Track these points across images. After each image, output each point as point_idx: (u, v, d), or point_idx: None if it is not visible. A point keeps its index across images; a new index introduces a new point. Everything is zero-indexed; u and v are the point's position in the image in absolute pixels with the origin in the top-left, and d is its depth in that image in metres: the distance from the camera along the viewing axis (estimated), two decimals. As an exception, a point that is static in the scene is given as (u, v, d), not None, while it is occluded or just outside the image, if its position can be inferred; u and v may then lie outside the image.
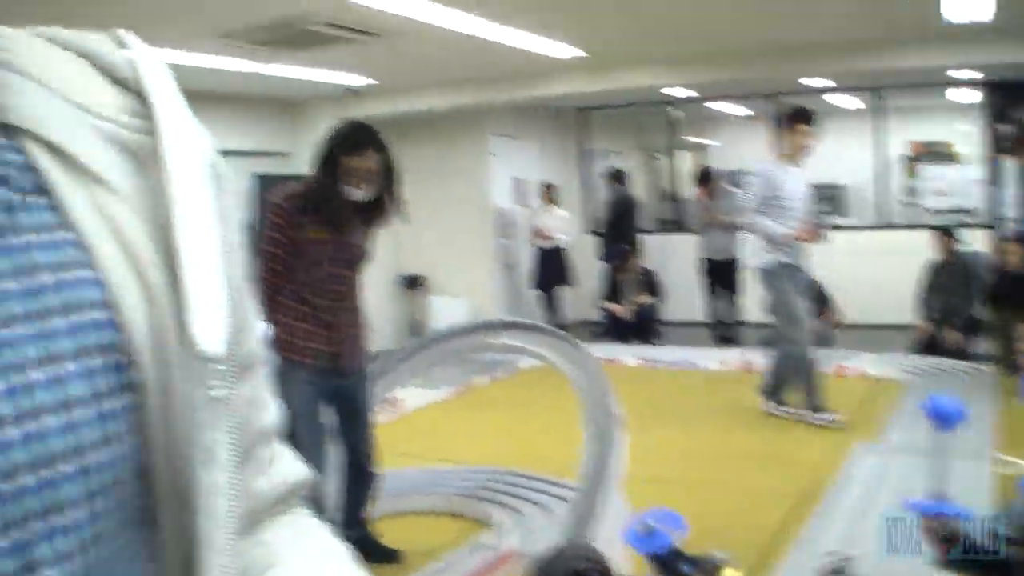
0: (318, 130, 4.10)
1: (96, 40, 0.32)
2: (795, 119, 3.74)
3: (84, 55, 0.31)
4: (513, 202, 6.96)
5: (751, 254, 4.17)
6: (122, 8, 3.12)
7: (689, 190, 7.29)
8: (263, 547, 0.36)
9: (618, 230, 6.53)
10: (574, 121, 7.70)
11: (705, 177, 6.30)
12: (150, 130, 0.30)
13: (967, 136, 7.19)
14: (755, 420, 4.00)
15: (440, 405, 4.54)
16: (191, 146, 0.31)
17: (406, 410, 4.25)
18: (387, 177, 2.27)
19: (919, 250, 5.31)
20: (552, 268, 6.43)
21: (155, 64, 0.32)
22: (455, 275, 6.68)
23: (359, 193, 2.23)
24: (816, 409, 3.71)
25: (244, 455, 0.32)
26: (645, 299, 6.07)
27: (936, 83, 6.43)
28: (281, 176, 4.84)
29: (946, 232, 5.27)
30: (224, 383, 0.29)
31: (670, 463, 3.49)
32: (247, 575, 0.32)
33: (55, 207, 0.27)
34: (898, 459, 3.22)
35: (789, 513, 2.86)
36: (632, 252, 6.20)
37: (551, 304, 6.44)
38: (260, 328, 0.49)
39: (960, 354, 5.02)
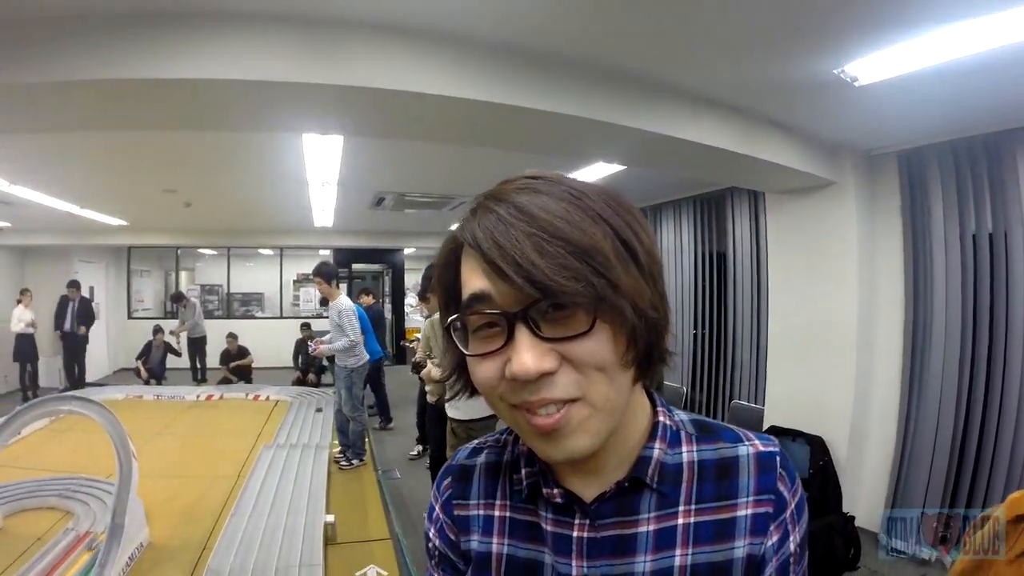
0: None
1: None
2: (315, 274, 4.63)
3: None
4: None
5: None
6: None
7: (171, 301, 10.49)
8: None
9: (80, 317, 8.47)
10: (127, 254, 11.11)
11: (177, 297, 9.41)
12: None
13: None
14: (218, 433, 5.60)
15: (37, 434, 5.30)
16: None
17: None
18: None
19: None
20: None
21: None
22: None
23: None
24: None
25: None
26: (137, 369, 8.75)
27: (312, 247, 11.22)
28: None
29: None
30: None
31: (169, 464, 4.52)
32: None
33: None
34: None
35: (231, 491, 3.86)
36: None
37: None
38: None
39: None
